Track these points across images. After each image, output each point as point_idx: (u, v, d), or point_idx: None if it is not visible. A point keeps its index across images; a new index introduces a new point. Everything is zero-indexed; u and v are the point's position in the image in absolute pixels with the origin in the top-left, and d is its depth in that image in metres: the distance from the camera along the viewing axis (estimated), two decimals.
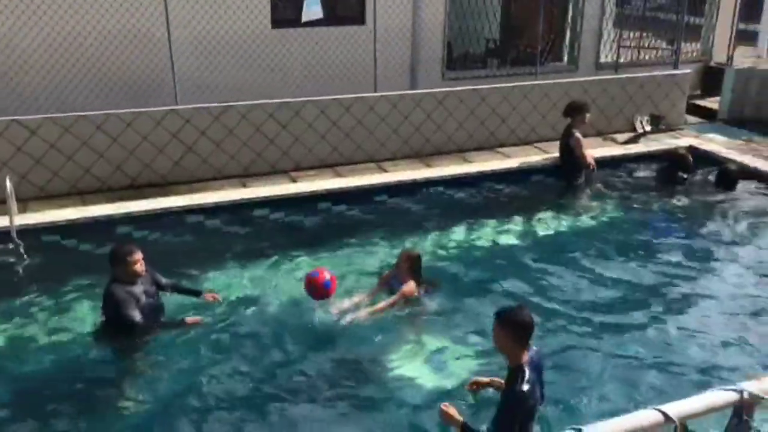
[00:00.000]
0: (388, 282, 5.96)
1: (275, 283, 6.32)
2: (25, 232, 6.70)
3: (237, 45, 9.36)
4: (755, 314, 5.93)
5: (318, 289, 5.45)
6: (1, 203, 6.83)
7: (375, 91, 9.12)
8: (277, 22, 9.60)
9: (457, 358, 5.26)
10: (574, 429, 1.70)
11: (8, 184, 6.60)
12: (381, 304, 5.74)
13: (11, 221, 6.55)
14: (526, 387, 3.77)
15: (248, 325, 5.66)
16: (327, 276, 5.46)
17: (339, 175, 8.64)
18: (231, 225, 7.44)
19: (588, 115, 8.67)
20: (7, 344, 5.42)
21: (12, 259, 6.52)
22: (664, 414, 1.67)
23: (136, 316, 5.14)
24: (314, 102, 8.72)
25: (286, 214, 7.72)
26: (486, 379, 4.60)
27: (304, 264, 6.65)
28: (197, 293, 5.81)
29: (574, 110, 8.62)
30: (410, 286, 5.79)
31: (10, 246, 6.53)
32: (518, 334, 3.87)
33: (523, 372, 3.83)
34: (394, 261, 6.26)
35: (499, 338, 3.94)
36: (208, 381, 4.99)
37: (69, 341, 5.42)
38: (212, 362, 5.20)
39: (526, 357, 3.90)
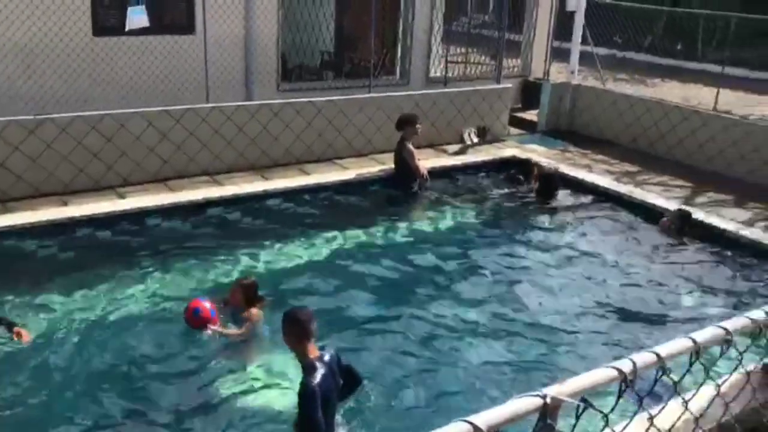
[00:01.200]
0: (229, 311, 5.79)
1: (101, 308, 5.98)
2: None
3: (54, 53, 8.69)
4: (580, 314, 6.38)
5: (198, 319, 5.48)
6: None
7: (207, 102, 8.88)
8: (100, 30, 9.06)
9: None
10: None
11: None
12: (233, 331, 5.60)
13: None
14: (315, 381, 4.06)
15: (73, 353, 5.33)
16: (207, 305, 5.53)
17: (171, 189, 8.32)
18: (49, 247, 6.90)
19: (419, 127, 9.04)
20: None
21: None
22: (473, 425, 1.75)
23: None
24: (141, 113, 8.34)
25: (113, 233, 7.31)
26: None
27: (133, 284, 6.36)
28: (10, 326, 5.29)
29: (405, 123, 8.97)
30: (253, 312, 5.67)
31: None
32: (296, 331, 4.23)
33: (313, 368, 4.13)
34: (230, 276, 6.14)
35: (284, 337, 4.32)
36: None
37: None
38: (37, 394, 4.88)
39: (315, 354, 4.22)
